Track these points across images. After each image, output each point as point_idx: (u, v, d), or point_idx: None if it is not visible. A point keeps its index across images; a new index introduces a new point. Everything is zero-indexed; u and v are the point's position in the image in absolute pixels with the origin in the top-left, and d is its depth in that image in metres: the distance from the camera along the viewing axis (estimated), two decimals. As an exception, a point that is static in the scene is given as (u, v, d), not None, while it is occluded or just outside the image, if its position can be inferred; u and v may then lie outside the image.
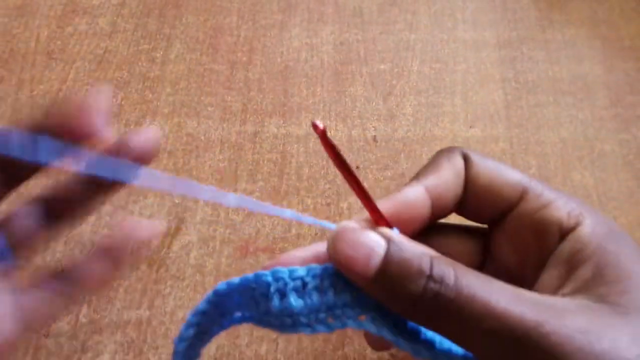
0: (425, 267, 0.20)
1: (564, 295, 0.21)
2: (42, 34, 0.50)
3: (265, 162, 0.44)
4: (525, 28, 0.51)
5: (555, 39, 0.51)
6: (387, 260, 0.20)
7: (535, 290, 0.22)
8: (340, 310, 0.22)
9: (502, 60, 0.49)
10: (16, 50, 0.49)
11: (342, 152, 0.22)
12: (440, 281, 0.19)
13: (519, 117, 0.47)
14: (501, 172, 0.25)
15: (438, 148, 0.44)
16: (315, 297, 0.22)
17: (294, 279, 0.23)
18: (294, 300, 0.22)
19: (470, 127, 0.46)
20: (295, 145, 0.45)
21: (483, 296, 0.19)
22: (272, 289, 0.23)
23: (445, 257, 0.21)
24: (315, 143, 0.45)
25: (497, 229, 0.26)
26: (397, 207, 0.25)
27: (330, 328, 0.23)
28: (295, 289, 0.23)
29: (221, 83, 0.48)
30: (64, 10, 0.52)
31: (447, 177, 0.25)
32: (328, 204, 0.43)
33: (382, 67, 0.49)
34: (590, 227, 0.23)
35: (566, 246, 0.23)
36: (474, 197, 0.26)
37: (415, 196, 0.25)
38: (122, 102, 0.46)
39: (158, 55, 0.49)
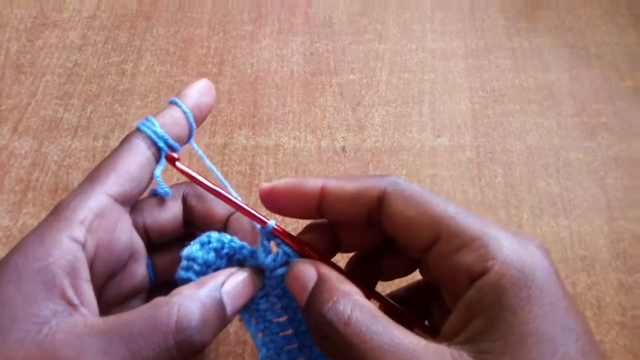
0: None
1: (456, 343, 0.23)
2: (12, 48, 0.50)
3: (234, 174, 0.45)
4: (493, 37, 0.52)
5: (522, 47, 0.51)
6: (310, 297, 0.26)
7: (442, 330, 0.24)
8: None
9: (470, 69, 0.50)
10: (-15, 64, 0.49)
11: (201, 177, 0.28)
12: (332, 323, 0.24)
13: (486, 126, 0.47)
14: (420, 208, 0.26)
15: (406, 158, 0.45)
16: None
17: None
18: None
19: (438, 136, 0.46)
20: (265, 157, 0.46)
21: (365, 336, 0.23)
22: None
23: (355, 299, 0.25)
24: (284, 154, 0.46)
25: (424, 263, 0.27)
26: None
27: None
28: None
29: (191, 95, 0.48)
30: (33, 23, 0.52)
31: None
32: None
33: (351, 77, 0.50)
34: (495, 276, 0.23)
35: (469, 294, 0.23)
36: (394, 235, 0.27)
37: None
38: (91, 116, 0.47)
39: (128, 67, 0.50)
